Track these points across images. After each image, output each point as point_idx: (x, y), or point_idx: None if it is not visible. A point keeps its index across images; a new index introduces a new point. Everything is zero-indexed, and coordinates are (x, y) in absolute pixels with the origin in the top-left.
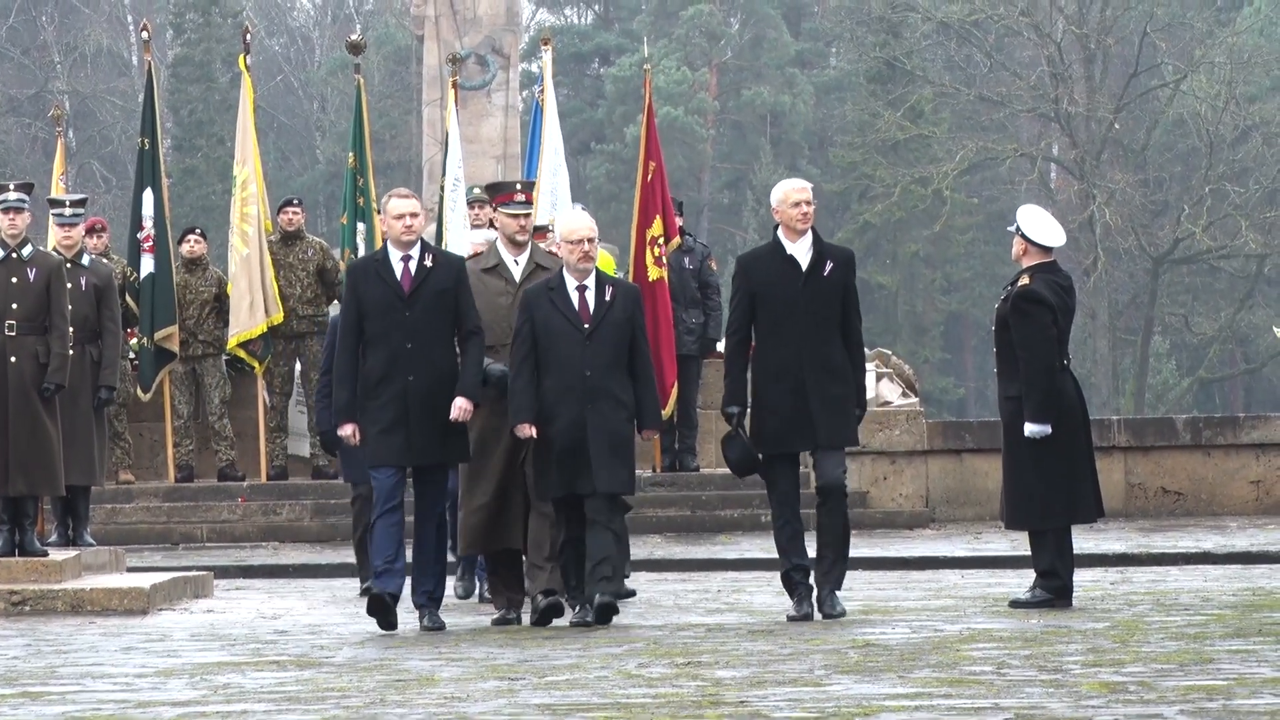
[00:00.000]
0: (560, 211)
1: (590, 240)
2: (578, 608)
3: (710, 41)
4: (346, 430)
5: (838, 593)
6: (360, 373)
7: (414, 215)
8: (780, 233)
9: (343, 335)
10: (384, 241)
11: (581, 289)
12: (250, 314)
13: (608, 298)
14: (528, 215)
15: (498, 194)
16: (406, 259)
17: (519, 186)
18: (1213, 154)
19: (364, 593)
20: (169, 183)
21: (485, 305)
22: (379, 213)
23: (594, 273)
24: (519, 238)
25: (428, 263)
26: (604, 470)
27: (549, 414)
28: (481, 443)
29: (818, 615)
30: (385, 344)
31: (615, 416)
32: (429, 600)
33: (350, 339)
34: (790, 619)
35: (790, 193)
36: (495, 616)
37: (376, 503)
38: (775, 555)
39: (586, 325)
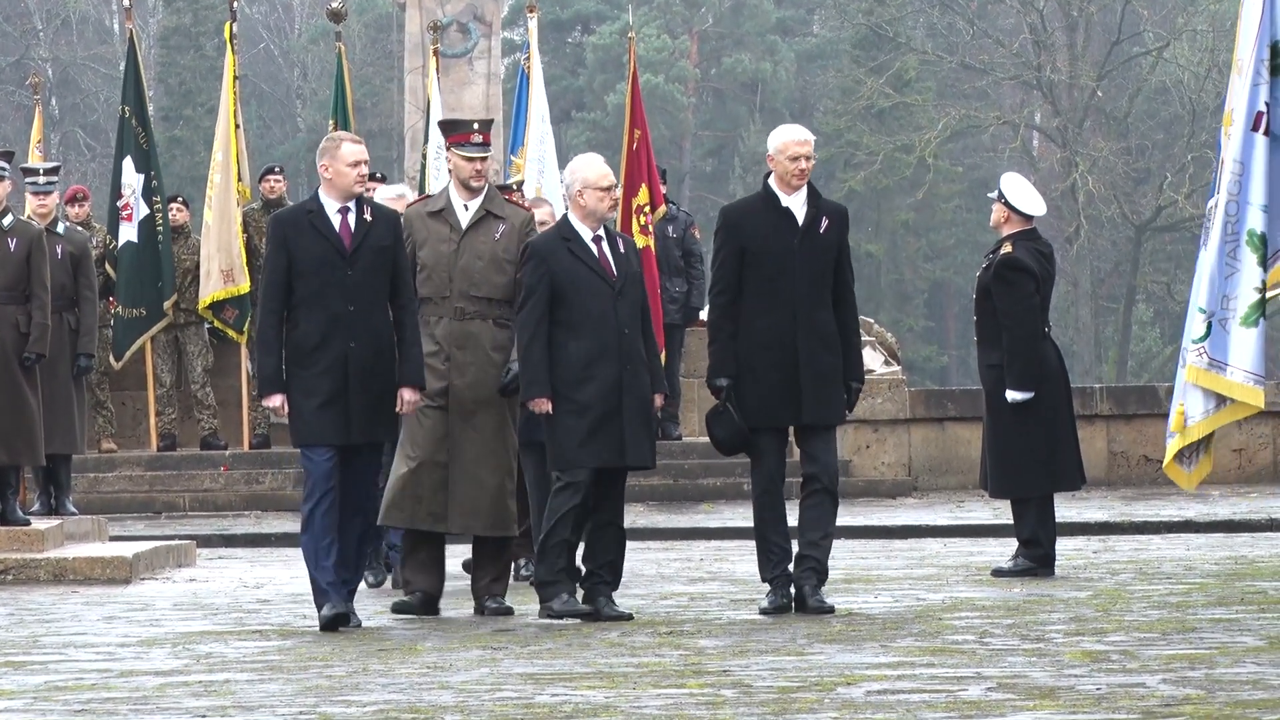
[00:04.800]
0: (581, 160)
1: (615, 186)
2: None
3: (690, 9)
4: (275, 401)
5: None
6: (288, 338)
7: (366, 164)
8: (773, 183)
9: (268, 295)
10: (314, 192)
11: (598, 240)
12: (208, 280)
13: (622, 250)
14: (484, 159)
15: (453, 133)
16: (344, 210)
17: (476, 126)
18: (1195, 121)
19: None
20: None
21: (428, 252)
22: (375, 179)
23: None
24: (474, 183)
25: (367, 216)
26: (636, 442)
27: (580, 377)
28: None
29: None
30: (321, 306)
31: (645, 382)
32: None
33: (277, 300)
34: (764, 611)
35: (790, 144)
36: (395, 601)
37: (313, 490)
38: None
39: (614, 280)
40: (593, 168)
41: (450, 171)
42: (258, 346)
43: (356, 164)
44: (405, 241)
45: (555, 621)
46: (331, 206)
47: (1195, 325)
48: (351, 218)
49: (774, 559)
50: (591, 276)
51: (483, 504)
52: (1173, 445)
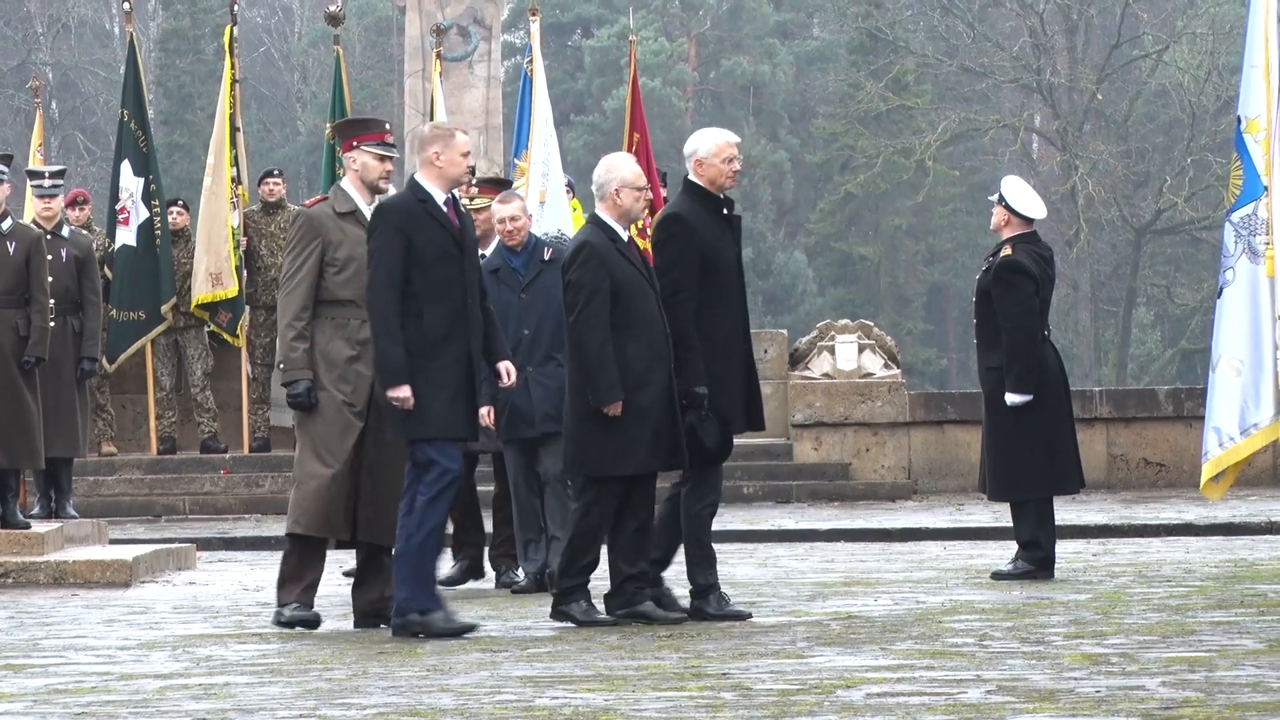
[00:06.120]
0: (616, 159)
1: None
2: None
3: (689, 12)
4: (405, 392)
5: None
6: (407, 330)
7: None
8: (705, 187)
9: (387, 284)
10: (413, 180)
11: (631, 242)
12: (197, 283)
13: (641, 251)
14: (393, 159)
15: (365, 131)
16: (448, 202)
17: (387, 126)
18: (1195, 125)
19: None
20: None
21: (348, 255)
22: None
23: None
24: (383, 184)
25: (460, 210)
26: (683, 446)
27: (639, 381)
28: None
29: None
30: (445, 298)
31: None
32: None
33: (397, 289)
34: (719, 616)
35: (725, 145)
36: (290, 611)
37: (446, 485)
38: (754, 527)
39: (653, 281)
40: (630, 167)
41: (355, 171)
42: (379, 336)
43: (467, 154)
44: (314, 243)
45: (566, 624)
46: (438, 196)
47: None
48: (453, 211)
49: (713, 564)
50: (638, 278)
51: (394, 516)
52: (1233, 451)
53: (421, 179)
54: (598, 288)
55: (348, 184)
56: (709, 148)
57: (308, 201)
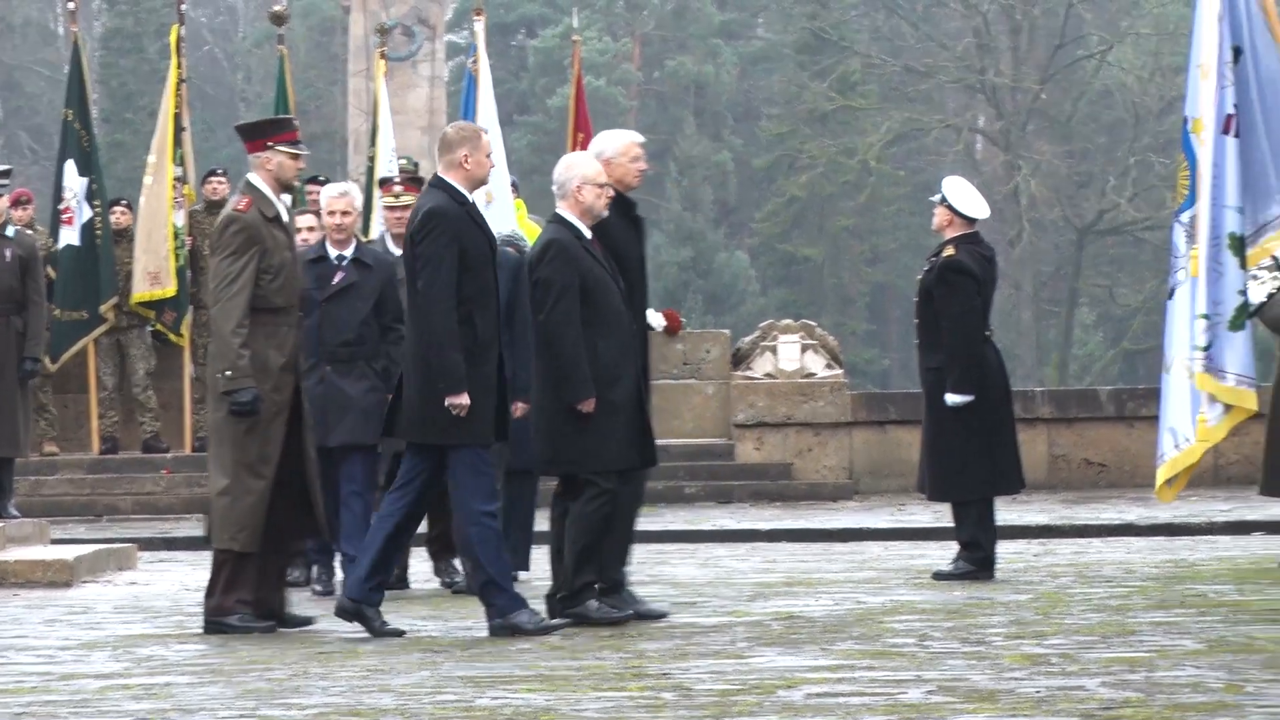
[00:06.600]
0: (577, 157)
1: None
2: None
3: (633, 11)
4: (465, 400)
5: None
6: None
7: None
8: (614, 187)
9: (448, 291)
10: (448, 184)
11: (595, 239)
12: (139, 281)
13: (603, 249)
14: (305, 157)
15: (280, 131)
16: (472, 204)
17: (298, 124)
18: (1138, 125)
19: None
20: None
21: (280, 260)
22: (315, 182)
23: None
24: (294, 183)
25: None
26: (654, 443)
27: (611, 376)
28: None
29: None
30: (488, 301)
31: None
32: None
33: (453, 298)
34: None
35: (632, 145)
36: (238, 619)
37: (489, 497)
38: (696, 527)
39: (616, 279)
40: (590, 164)
41: (269, 170)
42: (444, 343)
43: (490, 155)
44: (254, 250)
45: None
46: (467, 198)
47: (1198, 333)
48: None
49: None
50: (604, 275)
51: (316, 518)
52: (1189, 453)
53: (452, 181)
54: (568, 285)
55: (261, 183)
56: (616, 147)
57: (238, 205)
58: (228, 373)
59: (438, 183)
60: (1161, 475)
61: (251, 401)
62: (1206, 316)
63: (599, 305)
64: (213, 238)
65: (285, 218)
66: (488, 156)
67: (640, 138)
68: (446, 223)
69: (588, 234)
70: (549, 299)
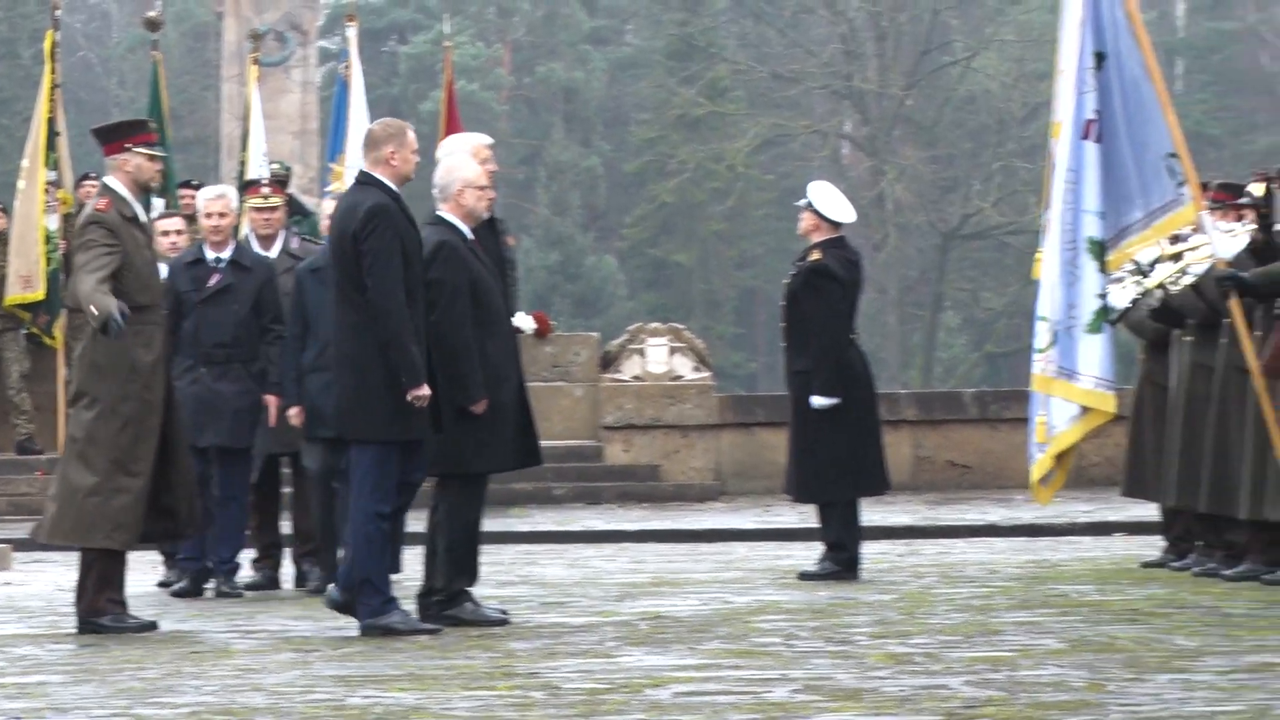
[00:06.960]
0: (456, 160)
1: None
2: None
3: (504, 17)
4: (427, 391)
5: None
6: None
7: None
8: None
9: (398, 285)
10: (379, 180)
11: (477, 240)
12: (11, 284)
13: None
14: (164, 159)
15: (136, 133)
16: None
17: (153, 126)
18: (1002, 131)
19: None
20: None
21: (141, 260)
22: (188, 187)
23: None
24: (153, 184)
25: None
26: (538, 444)
27: (500, 376)
28: (145, 413)
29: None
30: (416, 298)
31: None
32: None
33: (403, 290)
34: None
35: (481, 146)
36: (110, 619)
37: (387, 498)
38: (564, 528)
39: (498, 280)
40: (471, 167)
41: (128, 173)
42: (403, 337)
43: (416, 151)
44: (116, 249)
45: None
46: (399, 194)
47: (1040, 335)
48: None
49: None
50: (489, 276)
51: (190, 511)
52: (1043, 460)
53: (381, 177)
54: (460, 286)
55: (119, 185)
56: (466, 148)
57: (98, 206)
58: (93, 310)
59: (368, 179)
60: (1034, 475)
61: (122, 316)
62: (1045, 319)
63: (486, 306)
64: (74, 238)
65: (143, 218)
66: (414, 153)
67: (489, 139)
68: (389, 219)
69: (470, 235)
70: (442, 299)
